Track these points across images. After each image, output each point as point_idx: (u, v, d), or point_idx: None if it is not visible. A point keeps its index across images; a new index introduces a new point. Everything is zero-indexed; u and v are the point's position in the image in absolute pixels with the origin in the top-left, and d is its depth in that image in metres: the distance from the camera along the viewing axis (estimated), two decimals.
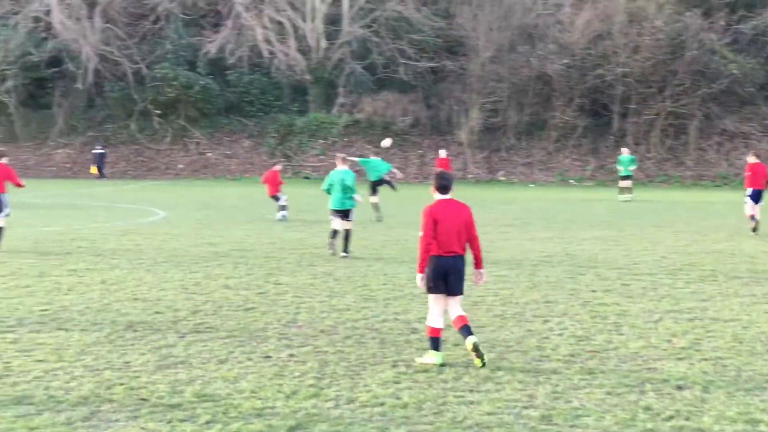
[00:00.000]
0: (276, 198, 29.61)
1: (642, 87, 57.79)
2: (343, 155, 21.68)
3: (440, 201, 10.28)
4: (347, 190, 20.11)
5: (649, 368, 9.98)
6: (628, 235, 24.76)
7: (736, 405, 8.56)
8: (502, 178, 57.46)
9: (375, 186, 29.92)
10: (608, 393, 8.98)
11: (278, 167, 31.26)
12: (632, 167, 41.62)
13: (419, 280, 10.19)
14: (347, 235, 19.95)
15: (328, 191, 20.24)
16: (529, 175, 57.84)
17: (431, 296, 10.26)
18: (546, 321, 12.61)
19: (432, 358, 10.06)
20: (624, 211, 34.03)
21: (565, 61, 57.76)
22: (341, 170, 20.34)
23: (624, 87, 57.81)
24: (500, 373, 9.70)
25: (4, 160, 20.96)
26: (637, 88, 57.76)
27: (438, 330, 10.12)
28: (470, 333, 10.02)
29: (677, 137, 58.34)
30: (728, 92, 57.96)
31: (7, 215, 20.55)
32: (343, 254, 19.63)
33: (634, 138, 58.28)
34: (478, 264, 10.52)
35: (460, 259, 10.20)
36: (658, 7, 58.02)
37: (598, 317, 12.92)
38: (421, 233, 10.13)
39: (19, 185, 21.00)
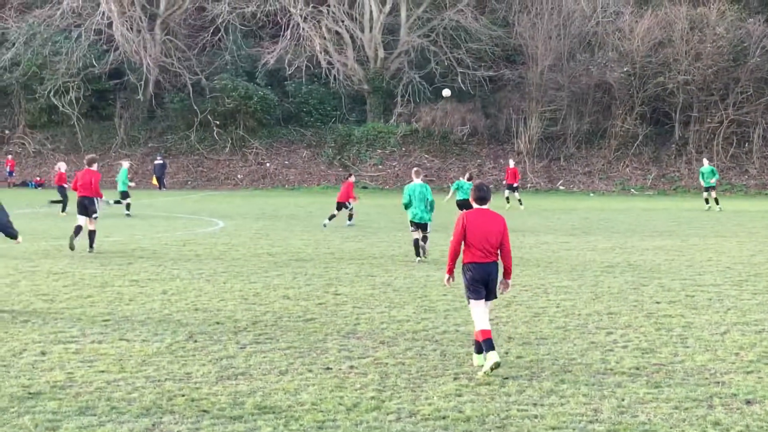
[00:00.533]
0: (344, 206, 30.13)
1: (704, 95, 57.04)
2: (416, 168, 22.58)
3: (475, 210, 10.67)
4: (426, 203, 20.79)
5: (717, 382, 9.74)
6: (691, 245, 24.36)
7: None
8: (562, 188, 57.00)
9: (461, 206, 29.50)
10: (675, 407, 8.78)
11: (351, 179, 31.59)
12: (713, 179, 40.55)
13: (445, 280, 10.98)
14: (425, 239, 20.95)
15: (407, 206, 20.92)
16: (589, 184, 57.32)
17: (471, 302, 10.53)
18: (609, 333, 12.40)
19: (492, 357, 9.97)
20: (686, 221, 33.52)
21: (625, 68, 57.20)
22: (418, 183, 21.16)
23: (685, 95, 57.10)
24: (564, 386, 9.53)
25: (95, 167, 22.91)
26: (699, 95, 57.03)
27: (488, 331, 10.25)
28: (492, 347, 10.08)
29: (740, 145, 57.47)
30: None
31: (96, 218, 22.50)
32: (419, 259, 20.54)
33: (696, 146, 57.53)
34: (506, 274, 10.77)
35: (493, 265, 10.53)
36: (719, 14, 57.22)
37: (663, 329, 12.68)
38: (452, 238, 10.62)
39: (98, 194, 21.91)
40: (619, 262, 20.43)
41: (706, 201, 40.82)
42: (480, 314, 10.41)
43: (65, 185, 35.00)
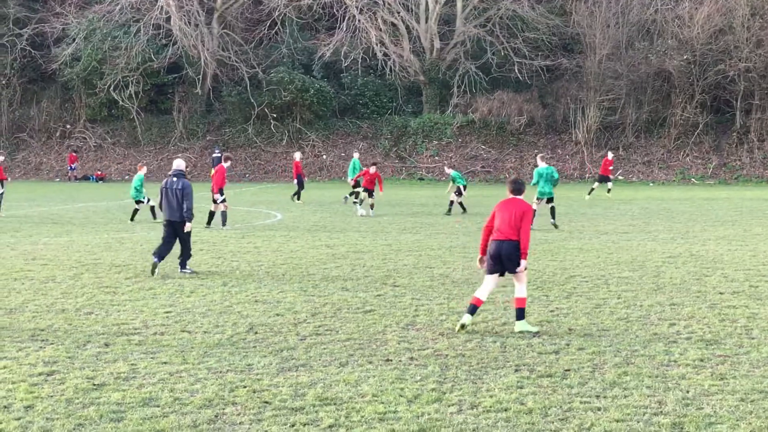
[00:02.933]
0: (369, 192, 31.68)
1: (765, 82, 56.06)
2: (542, 155, 27.44)
3: (508, 199, 12.09)
4: (552, 181, 25.83)
5: None
6: (754, 235, 23.98)
7: None
8: (621, 178, 56.43)
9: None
10: (741, 399, 8.64)
11: (372, 169, 31.68)
12: None
13: (478, 261, 12.49)
14: (552, 209, 26.28)
15: (536, 183, 25.91)
16: (649, 174, 56.66)
17: (486, 275, 12.10)
18: (672, 324, 12.24)
19: (464, 318, 11.84)
20: (748, 211, 32.99)
21: (685, 56, 56.40)
22: (546, 167, 25.93)
23: (746, 82, 56.16)
24: (627, 378, 9.43)
25: (228, 164, 28.54)
26: (761, 83, 56.04)
27: (479, 300, 11.88)
28: (518, 318, 11.85)
29: None
30: None
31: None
32: (552, 222, 25.96)
33: (757, 134, 56.60)
34: (522, 254, 11.88)
35: (505, 243, 11.81)
36: None
37: (727, 320, 12.49)
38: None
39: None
40: (680, 253, 20.17)
41: None
42: (484, 285, 12.01)
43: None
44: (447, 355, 10.49)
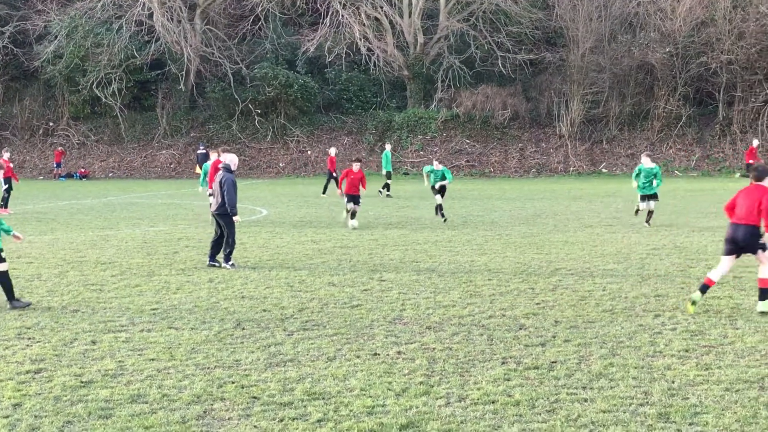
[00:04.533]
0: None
1: (747, 74, 56.28)
2: (647, 152, 27.49)
3: (751, 185, 12.80)
4: (653, 178, 25.15)
5: None
6: None
7: None
8: (605, 171, 56.59)
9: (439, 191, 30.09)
10: (726, 389, 8.71)
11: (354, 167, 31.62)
12: None
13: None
14: (651, 211, 25.05)
15: (636, 177, 25.37)
16: (633, 167, 56.74)
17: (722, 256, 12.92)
18: (657, 316, 12.32)
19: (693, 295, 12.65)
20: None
21: (667, 49, 56.58)
22: (649, 167, 25.29)
23: (729, 74, 56.36)
24: (613, 369, 9.49)
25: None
26: (743, 75, 56.26)
27: (711, 281, 12.67)
28: (761, 298, 12.44)
29: None
30: None
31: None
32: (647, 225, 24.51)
33: (740, 126, 56.82)
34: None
35: (741, 227, 12.57)
36: None
37: (711, 311, 12.58)
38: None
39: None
40: (665, 245, 20.28)
41: None
42: (719, 267, 12.77)
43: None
44: (434, 349, 10.53)
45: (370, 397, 8.63)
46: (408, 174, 57.52)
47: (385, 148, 41.84)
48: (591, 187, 44.02)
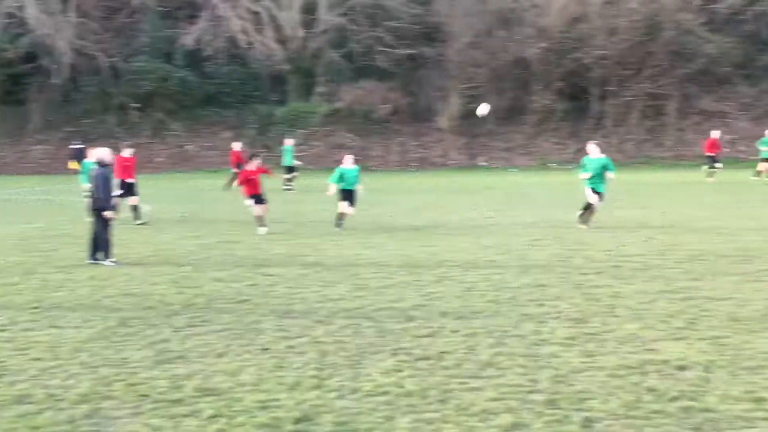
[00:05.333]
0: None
1: (620, 69, 57.86)
2: (597, 142, 24.55)
3: None
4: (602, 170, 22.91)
5: (648, 349, 9.98)
6: (615, 217, 24.80)
7: (740, 384, 8.57)
8: (483, 164, 57.46)
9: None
10: (610, 375, 8.98)
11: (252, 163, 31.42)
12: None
13: None
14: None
15: (583, 169, 23.21)
16: (510, 160, 57.85)
17: None
18: (540, 305, 12.60)
19: None
20: (608, 193, 34.00)
21: (542, 44, 57.73)
22: (597, 154, 23.24)
23: (602, 69, 57.85)
24: (501, 358, 9.68)
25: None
26: (615, 70, 57.82)
27: None
28: None
29: (656, 118, 58.44)
30: (705, 72, 58.14)
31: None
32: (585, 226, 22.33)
33: (613, 120, 58.39)
34: None
35: None
36: None
37: (592, 299, 12.93)
38: None
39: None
40: (545, 236, 20.72)
41: (758, 173, 40.14)
42: None
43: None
44: (325, 342, 10.56)
45: (263, 391, 8.60)
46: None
47: (285, 143, 41.73)
48: (470, 180, 44.65)
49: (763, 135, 41.26)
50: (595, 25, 57.64)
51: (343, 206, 22.82)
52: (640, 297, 13.04)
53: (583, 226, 22.30)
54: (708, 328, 10.98)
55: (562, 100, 58.93)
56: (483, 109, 28.64)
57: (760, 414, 7.70)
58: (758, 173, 39.84)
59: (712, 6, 58.71)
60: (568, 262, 16.60)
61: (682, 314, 11.79)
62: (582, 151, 57.15)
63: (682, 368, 9.16)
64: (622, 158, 55.85)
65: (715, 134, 42.50)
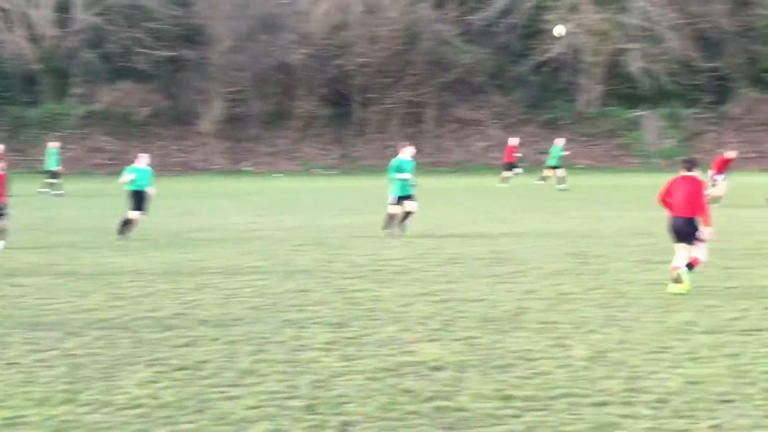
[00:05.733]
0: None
1: (380, 77, 59.15)
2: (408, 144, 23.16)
3: (680, 176, 14.04)
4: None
5: (406, 351, 10.17)
6: (376, 222, 25.23)
7: (491, 382, 8.86)
8: (248, 169, 57.23)
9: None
10: (368, 378, 9.07)
11: None
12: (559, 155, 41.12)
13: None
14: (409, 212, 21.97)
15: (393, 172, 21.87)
16: (275, 165, 57.90)
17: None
18: (302, 310, 12.61)
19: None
20: (371, 198, 34.67)
21: (305, 50, 58.18)
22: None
23: (363, 77, 58.95)
24: (261, 365, 9.59)
25: None
26: (376, 77, 59.07)
27: (676, 267, 13.80)
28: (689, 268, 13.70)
29: (415, 125, 60.09)
30: (461, 81, 60.43)
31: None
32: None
33: (375, 126, 59.58)
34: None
35: (679, 219, 13.82)
36: None
37: (353, 304, 13.07)
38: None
39: None
40: (308, 241, 20.81)
41: (544, 178, 41.37)
42: (677, 255, 13.92)
43: None
44: (77, 355, 10.12)
45: (10, 408, 8.13)
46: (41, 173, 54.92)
47: (49, 146, 39.99)
48: (234, 185, 44.37)
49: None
50: (357, 33, 58.66)
51: (133, 213, 21.55)
52: (399, 300, 13.30)
53: (397, 231, 21.60)
54: (462, 328, 11.32)
55: (326, 106, 59.59)
56: (560, 30, 28.37)
57: (508, 411, 7.97)
58: (544, 178, 41.33)
59: (467, 18, 61.08)
60: (330, 267, 16.74)
61: (438, 316, 12.11)
62: (345, 157, 58.00)
63: (437, 369, 9.38)
64: (384, 164, 57.02)
65: (513, 141, 44.19)
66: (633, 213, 27.50)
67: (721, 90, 61.21)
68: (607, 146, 60.23)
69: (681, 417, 7.80)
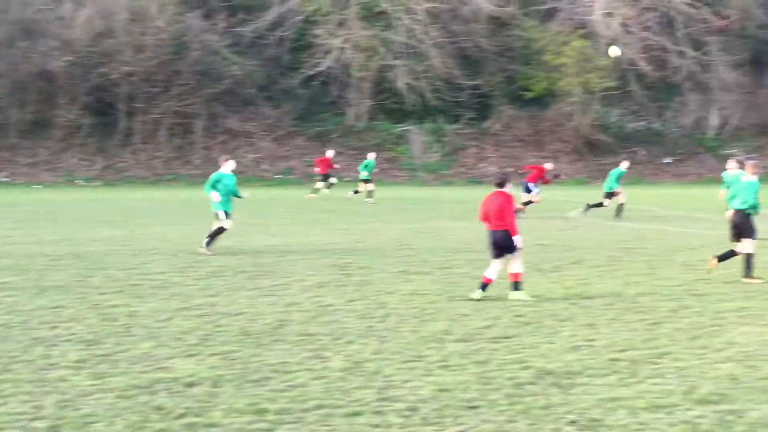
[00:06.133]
0: None
1: (147, 86, 57.92)
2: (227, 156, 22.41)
3: (492, 192, 14.66)
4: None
5: (160, 368, 9.96)
6: (138, 234, 24.69)
7: (245, 397, 8.80)
8: (5, 179, 54.62)
9: None
10: (119, 396, 8.82)
11: None
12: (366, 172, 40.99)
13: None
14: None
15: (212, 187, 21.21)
16: (35, 176, 55.54)
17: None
18: (54, 327, 12.12)
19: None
20: (135, 210, 33.87)
21: (68, 58, 56.22)
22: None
23: (130, 86, 57.55)
24: (6, 386, 9.13)
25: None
26: (143, 87, 57.80)
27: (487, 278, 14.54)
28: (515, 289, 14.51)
29: (184, 136, 59.26)
30: (231, 92, 60.11)
31: None
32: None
33: (142, 137, 58.27)
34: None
35: (501, 233, 14.36)
36: (159, 6, 58.45)
37: (108, 320, 12.69)
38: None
39: None
40: (65, 254, 20.08)
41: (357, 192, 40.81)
42: (491, 267, 14.56)
43: None
44: None
45: None
46: None
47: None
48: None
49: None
50: (122, 41, 57.30)
51: None
52: (156, 315, 13.02)
53: (208, 252, 20.47)
54: (220, 343, 11.20)
55: (90, 115, 57.77)
56: (615, 51, 28.22)
57: (261, 425, 7.93)
58: (357, 191, 41.18)
59: (237, 29, 60.82)
60: (87, 282, 16.19)
61: (197, 330, 11.94)
62: (110, 168, 56.40)
63: (191, 385, 9.23)
64: (151, 176, 56.04)
65: (330, 153, 44.17)
66: (398, 225, 28.19)
67: (481, 107, 63.67)
68: (375, 160, 61.44)
69: (429, 424, 8.02)
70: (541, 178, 32.93)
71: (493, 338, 11.60)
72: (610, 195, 31.11)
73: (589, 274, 17.48)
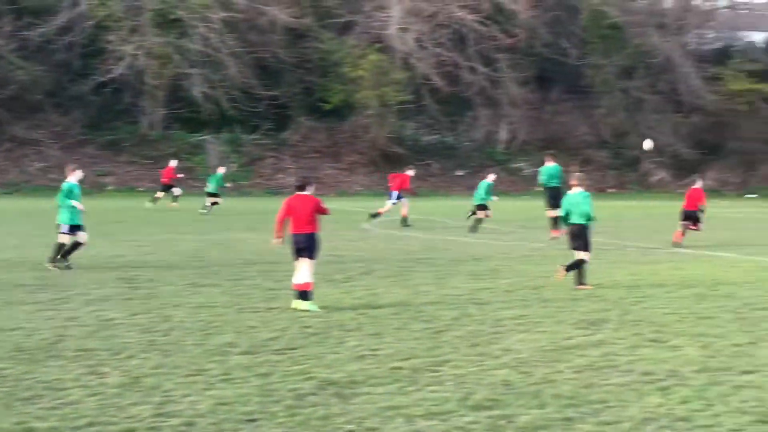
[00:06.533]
0: None
1: None
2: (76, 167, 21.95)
3: (295, 195, 14.58)
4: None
5: None
6: None
7: (14, 415, 8.39)
8: None
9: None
10: None
11: None
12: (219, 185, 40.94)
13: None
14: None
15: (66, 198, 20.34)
16: None
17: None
18: None
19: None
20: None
21: None
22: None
23: None
24: None
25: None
26: None
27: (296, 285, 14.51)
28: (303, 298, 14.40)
29: None
30: (17, 99, 57.66)
31: None
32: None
33: None
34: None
35: (303, 236, 14.39)
36: None
37: None
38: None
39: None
40: None
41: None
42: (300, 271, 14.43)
43: None
44: None
45: None
46: None
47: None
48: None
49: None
50: None
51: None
52: None
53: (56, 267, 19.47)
54: None
55: None
56: (648, 144, 28.44)
57: None
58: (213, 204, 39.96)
59: (24, 33, 58.43)
60: None
61: None
62: None
63: None
64: None
65: (173, 163, 44.25)
66: (191, 236, 27.75)
67: (279, 117, 63.60)
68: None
69: None
70: (405, 187, 33.21)
71: (279, 350, 11.53)
72: (481, 207, 31.09)
73: (378, 284, 17.67)
